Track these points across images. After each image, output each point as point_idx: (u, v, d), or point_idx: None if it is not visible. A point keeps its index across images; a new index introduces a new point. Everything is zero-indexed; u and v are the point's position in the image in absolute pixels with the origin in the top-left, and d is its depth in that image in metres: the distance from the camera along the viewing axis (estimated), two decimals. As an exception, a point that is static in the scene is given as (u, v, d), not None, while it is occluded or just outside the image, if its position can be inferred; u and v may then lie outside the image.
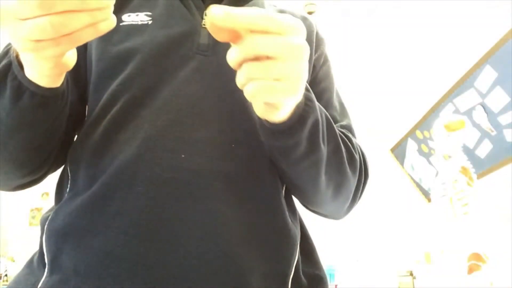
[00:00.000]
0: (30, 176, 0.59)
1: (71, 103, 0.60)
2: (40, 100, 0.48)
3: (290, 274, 0.53)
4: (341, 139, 0.57)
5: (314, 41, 0.71)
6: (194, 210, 0.50)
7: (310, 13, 2.60)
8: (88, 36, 0.39)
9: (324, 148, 0.52)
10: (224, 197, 0.52)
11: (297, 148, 0.49)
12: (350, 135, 0.62)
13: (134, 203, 0.50)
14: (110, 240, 0.49)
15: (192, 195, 0.51)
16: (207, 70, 0.59)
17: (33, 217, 4.29)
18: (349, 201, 0.62)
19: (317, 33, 0.73)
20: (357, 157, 0.59)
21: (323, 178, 0.54)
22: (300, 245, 0.59)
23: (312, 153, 0.51)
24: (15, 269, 3.74)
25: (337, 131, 0.56)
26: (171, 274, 0.47)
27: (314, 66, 0.69)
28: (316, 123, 0.49)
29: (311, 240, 0.64)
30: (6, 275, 3.74)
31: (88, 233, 0.50)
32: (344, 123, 0.67)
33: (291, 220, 0.57)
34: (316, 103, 0.50)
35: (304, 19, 0.74)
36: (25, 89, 0.47)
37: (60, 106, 0.52)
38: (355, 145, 0.60)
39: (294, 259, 0.54)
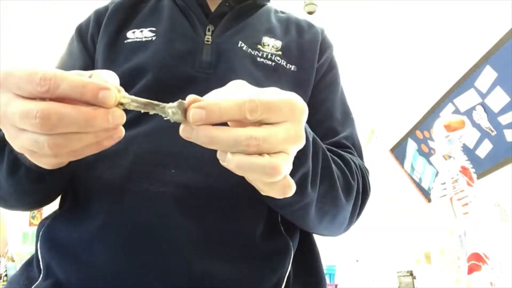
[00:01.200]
0: (38, 207, 0.60)
1: None
2: (36, 176, 0.47)
3: None
4: (338, 170, 0.55)
5: (318, 50, 0.70)
6: (180, 226, 0.49)
7: (310, 13, 2.59)
8: (90, 152, 0.36)
9: (313, 193, 0.49)
10: (210, 213, 0.51)
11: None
12: (347, 156, 0.60)
13: (121, 217, 0.49)
14: (98, 255, 0.49)
15: (178, 210, 0.50)
16: (208, 90, 0.59)
17: (33, 217, 4.29)
18: (346, 224, 0.61)
19: (322, 40, 0.72)
20: (354, 184, 0.57)
21: (313, 216, 0.53)
22: (300, 250, 0.58)
23: (299, 202, 0.49)
24: (15, 269, 3.74)
25: (333, 166, 0.53)
26: None
27: (316, 74, 0.68)
28: (305, 175, 0.47)
29: (313, 246, 0.62)
30: (6, 275, 3.73)
31: (77, 247, 0.50)
32: (345, 133, 0.66)
33: (284, 235, 0.56)
34: (311, 145, 0.47)
35: (310, 27, 0.73)
36: (20, 164, 0.46)
37: (58, 178, 0.51)
38: (353, 170, 0.58)
39: (283, 277, 0.53)
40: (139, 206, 0.50)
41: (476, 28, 2.57)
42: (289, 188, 0.38)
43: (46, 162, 0.38)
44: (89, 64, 0.66)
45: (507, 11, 2.32)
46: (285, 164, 0.36)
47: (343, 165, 0.57)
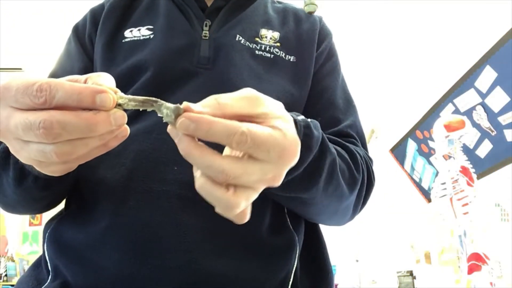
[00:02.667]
0: (45, 211, 0.60)
1: None
2: (44, 183, 0.47)
3: (288, 283, 0.53)
4: (343, 163, 0.54)
5: (316, 39, 0.69)
6: (185, 224, 0.49)
7: (310, 13, 2.60)
8: (97, 153, 0.36)
9: (320, 187, 0.49)
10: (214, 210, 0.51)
11: (286, 191, 0.47)
12: (352, 147, 0.59)
13: (126, 218, 0.49)
14: (104, 257, 0.48)
15: (183, 209, 0.50)
16: (207, 85, 0.58)
17: (33, 217, 4.28)
18: (349, 215, 0.61)
19: (321, 29, 0.72)
20: (359, 177, 0.57)
21: (317, 208, 0.53)
22: (306, 245, 0.58)
23: (303, 193, 0.49)
24: (14, 269, 3.74)
25: (337, 168, 0.51)
26: None
27: (315, 63, 0.68)
28: (314, 180, 0.46)
29: (320, 240, 0.62)
30: (6, 275, 3.73)
31: (84, 248, 0.50)
32: (348, 122, 0.65)
33: (291, 229, 0.56)
34: (315, 139, 0.46)
35: (308, 16, 0.73)
36: (28, 173, 0.46)
37: (65, 182, 0.51)
38: (359, 162, 0.58)
39: (291, 272, 0.53)
40: (143, 206, 0.50)
41: (476, 28, 2.57)
42: (242, 219, 0.37)
43: (54, 170, 0.38)
44: (87, 64, 0.65)
45: (507, 11, 2.32)
46: (247, 201, 0.35)
47: (348, 159, 0.56)
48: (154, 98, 0.35)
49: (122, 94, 0.35)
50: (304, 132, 0.44)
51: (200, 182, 0.34)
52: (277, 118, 0.34)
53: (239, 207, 0.34)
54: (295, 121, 0.42)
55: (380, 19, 2.77)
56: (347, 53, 2.92)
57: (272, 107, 0.35)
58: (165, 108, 0.34)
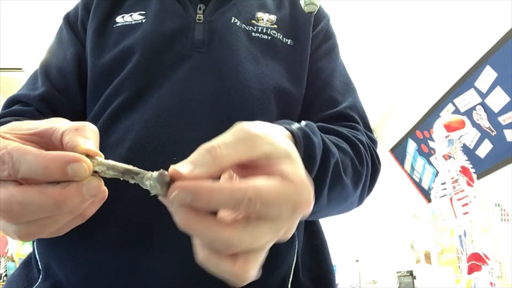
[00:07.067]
0: None
1: (78, 112, 0.60)
2: None
3: (288, 280, 0.52)
4: (346, 157, 0.52)
5: (313, 21, 0.68)
6: None
7: (310, 13, 2.59)
8: (74, 225, 0.33)
9: (324, 197, 0.48)
10: None
11: None
12: (354, 137, 0.57)
13: (124, 210, 0.47)
14: (100, 252, 0.47)
15: None
16: (203, 68, 0.57)
17: (33, 217, 4.28)
18: (355, 205, 0.60)
19: (317, 11, 0.69)
20: (363, 170, 0.55)
21: (321, 214, 0.53)
22: (307, 244, 0.58)
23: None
24: (14, 269, 3.73)
25: (341, 169, 0.49)
26: (162, 285, 0.46)
27: (312, 44, 0.66)
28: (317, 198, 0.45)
29: (321, 238, 0.61)
30: (6, 275, 3.73)
31: (77, 243, 0.48)
32: (347, 103, 0.63)
33: None
34: (317, 147, 0.44)
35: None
36: None
37: None
38: (362, 153, 0.56)
39: (291, 269, 0.52)
40: (140, 200, 0.47)
41: (476, 28, 2.57)
42: (255, 277, 0.31)
43: (32, 239, 0.33)
44: (81, 50, 0.65)
45: (507, 11, 2.32)
46: (258, 264, 0.30)
47: (350, 152, 0.54)
48: (136, 170, 0.30)
49: (102, 160, 0.30)
50: (304, 143, 0.41)
51: (204, 256, 0.29)
52: (281, 160, 0.30)
53: (252, 276, 0.30)
54: (292, 133, 0.40)
55: (380, 19, 2.77)
56: (348, 53, 2.92)
57: (273, 142, 0.30)
58: (148, 180, 0.29)
